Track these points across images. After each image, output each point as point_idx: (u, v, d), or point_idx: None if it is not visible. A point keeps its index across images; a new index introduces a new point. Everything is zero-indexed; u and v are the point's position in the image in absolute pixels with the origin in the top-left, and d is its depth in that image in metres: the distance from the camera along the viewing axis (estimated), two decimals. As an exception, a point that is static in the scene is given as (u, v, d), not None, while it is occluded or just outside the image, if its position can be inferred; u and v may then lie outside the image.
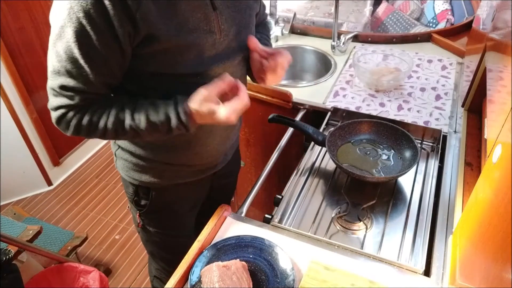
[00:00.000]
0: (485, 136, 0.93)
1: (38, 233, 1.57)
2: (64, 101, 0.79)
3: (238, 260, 0.87)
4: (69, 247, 1.81)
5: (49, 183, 2.54)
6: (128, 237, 2.21)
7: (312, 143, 1.30)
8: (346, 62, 1.72)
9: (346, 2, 2.51)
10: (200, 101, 0.80)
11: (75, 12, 0.69)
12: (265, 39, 1.12)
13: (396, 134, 1.19)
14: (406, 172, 1.08)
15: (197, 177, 1.08)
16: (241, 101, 0.82)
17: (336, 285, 0.85)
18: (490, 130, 0.78)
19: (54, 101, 0.81)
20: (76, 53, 0.73)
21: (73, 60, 0.74)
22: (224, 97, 0.82)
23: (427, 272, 0.91)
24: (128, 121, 0.82)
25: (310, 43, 1.87)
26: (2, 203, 2.42)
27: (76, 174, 2.66)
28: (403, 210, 1.07)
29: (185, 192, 1.11)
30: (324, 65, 1.78)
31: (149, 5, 0.73)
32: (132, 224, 2.28)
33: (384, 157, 1.18)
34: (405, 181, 1.16)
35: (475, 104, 1.31)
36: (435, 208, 1.06)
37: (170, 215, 1.14)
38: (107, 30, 0.72)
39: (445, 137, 1.26)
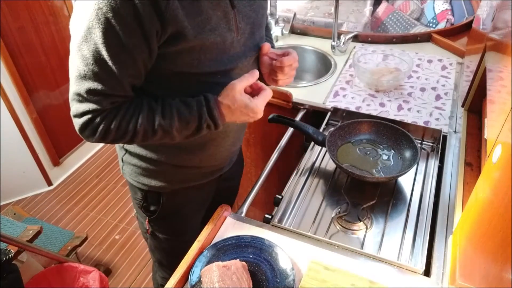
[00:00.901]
0: (485, 136, 0.93)
1: (38, 233, 1.57)
2: (91, 106, 0.77)
3: (238, 260, 0.87)
4: (69, 247, 1.81)
5: (49, 183, 2.54)
6: (128, 237, 2.21)
7: (312, 143, 1.30)
8: (346, 62, 1.72)
9: (346, 2, 2.51)
10: (234, 95, 0.81)
11: (104, 13, 0.68)
12: (268, 40, 1.12)
13: (396, 134, 1.19)
14: (406, 172, 1.08)
15: (206, 179, 1.07)
16: (269, 93, 0.86)
17: (336, 285, 0.85)
18: (490, 130, 0.78)
19: (80, 107, 0.78)
20: (105, 54, 0.71)
21: (101, 62, 0.72)
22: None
23: (427, 272, 0.91)
24: (158, 121, 0.81)
25: (310, 43, 1.87)
26: (2, 203, 2.42)
27: (76, 174, 2.66)
28: (403, 210, 1.07)
29: (193, 195, 1.10)
30: (324, 65, 1.78)
31: (176, 3, 0.72)
32: (132, 224, 2.28)
33: (384, 157, 1.18)
34: (405, 181, 1.16)
35: (475, 104, 1.31)
36: (435, 208, 1.06)
37: (180, 220, 1.13)
38: (137, 29, 0.71)
39: (445, 137, 1.26)
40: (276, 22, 1.89)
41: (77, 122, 0.80)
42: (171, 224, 1.12)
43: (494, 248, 0.60)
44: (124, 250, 2.15)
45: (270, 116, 1.28)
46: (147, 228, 1.11)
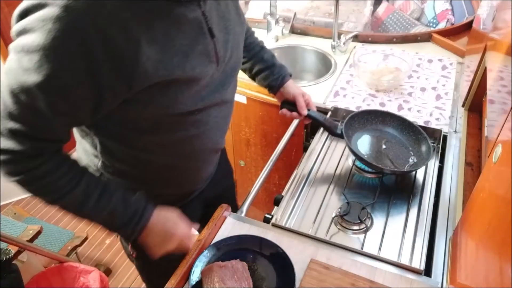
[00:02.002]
0: (485, 136, 0.93)
1: (38, 233, 1.58)
2: (12, 145, 0.68)
3: (238, 260, 0.87)
4: (69, 247, 1.81)
5: (49, 183, 2.54)
6: (128, 237, 2.21)
7: (312, 143, 1.30)
8: (346, 62, 1.72)
9: (346, 2, 2.51)
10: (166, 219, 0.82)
11: (50, 47, 0.58)
12: (254, 45, 1.14)
13: (410, 129, 1.20)
14: (423, 166, 1.11)
15: (187, 200, 1.03)
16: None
17: (336, 285, 0.85)
18: (490, 130, 0.78)
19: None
20: (40, 98, 0.62)
21: (33, 105, 0.64)
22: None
23: (427, 272, 0.91)
24: (88, 205, 0.76)
25: (310, 43, 1.87)
26: (2, 203, 2.42)
27: (76, 174, 2.65)
28: (403, 210, 1.07)
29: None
30: (324, 65, 1.78)
31: (144, 58, 0.64)
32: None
33: (399, 150, 1.18)
34: (405, 181, 1.16)
35: (476, 104, 1.31)
36: (435, 208, 1.06)
37: None
38: (85, 82, 0.62)
39: (445, 137, 1.26)
40: (276, 22, 1.88)
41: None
42: None
43: (494, 248, 0.60)
44: (124, 250, 2.15)
45: (282, 107, 1.25)
46: (131, 252, 1.05)
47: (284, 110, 1.15)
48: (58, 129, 0.69)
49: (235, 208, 1.13)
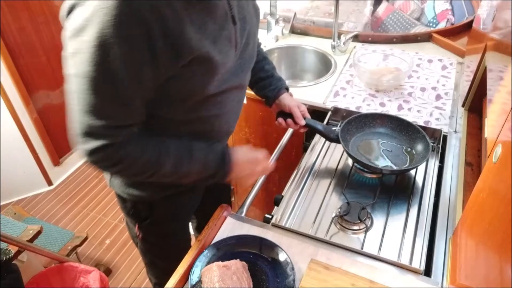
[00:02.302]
0: (485, 136, 0.93)
1: (39, 233, 1.57)
2: (104, 141, 0.72)
3: (238, 260, 0.87)
4: (69, 247, 1.81)
5: (49, 183, 2.54)
6: (128, 237, 2.20)
7: (312, 143, 1.30)
8: (346, 62, 1.72)
9: (346, 2, 2.51)
10: (246, 151, 0.90)
11: (111, 36, 0.62)
12: (263, 57, 1.17)
13: (408, 129, 1.20)
14: (420, 164, 1.11)
15: (196, 183, 1.05)
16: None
17: (336, 285, 0.85)
18: (490, 130, 0.78)
19: (92, 144, 0.72)
20: (116, 83, 0.67)
21: (111, 93, 0.69)
22: None
23: (427, 272, 0.91)
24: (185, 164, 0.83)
25: (310, 43, 1.87)
26: (2, 203, 2.42)
27: (76, 174, 2.66)
28: (403, 210, 1.07)
29: (183, 199, 1.08)
30: (324, 65, 1.78)
31: (188, 32, 0.70)
32: (132, 224, 2.28)
33: (396, 150, 1.18)
34: (405, 181, 1.16)
35: (476, 104, 1.31)
36: (435, 208, 1.06)
37: (170, 224, 1.10)
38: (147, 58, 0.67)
39: (445, 137, 1.26)
40: (276, 22, 1.88)
41: (91, 159, 0.75)
42: (162, 229, 1.10)
43: (494, 248, 0.60)
44: (124, 250, 2.15)
45: (277, 117, 1.26)
46: (137, 233, 1.09)
47: (280, 119, 1.17)
48: (136, 111, 0.74)
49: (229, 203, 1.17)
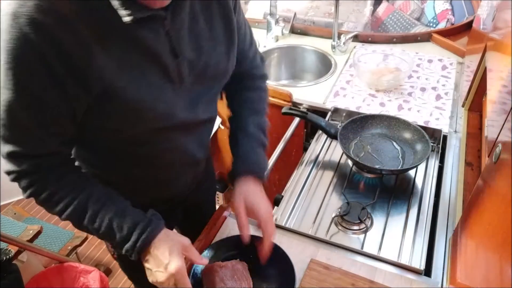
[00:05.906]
0: (485, 136, 0.93)
1: (39, 233, 1.57)
2: (12, 167, 0.69)
3: (238, 260, 0.87)
4: (69, 247, 1.80)
5: (50, 183, 2.54)
6: (128, 237, 2.21)
7: (312, 143, 1.30)
8: (346, 62, 1.72)
9: (346, 2, 2.51)
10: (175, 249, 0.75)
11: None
12: (254, 111, 1.03)
13: (408, 129, 1.21)
14: (420, 164, 1.11)
15: (166, 206, 0.98)
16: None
17: (336, 285, 0.85)
18: (490, 130, 0.78)
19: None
20: (19, 113, 0.63)
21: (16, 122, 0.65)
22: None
23: (427, 272, 0.91)
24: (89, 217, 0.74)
25: (310, 43, 1.87)
26: (2, 203, 2.42)
27: (76, 174, 2.65)
28: (403, 210, 1.07)
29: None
30: (324, 65, 1.78)
31: (100, 59, 0.63)
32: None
33: (396, 150, 1.19)
34: (405, 181, 1.16)
35: (476, 104, 1.31)
36: (435, 208, 1.06)
37: None
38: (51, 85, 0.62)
39: (445, 137, 1.26)
40: (276, 22, 1.88)
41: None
42: None
43: (494, 248, 0.60)
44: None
45: (283, 110, 1.29)
46: (112, 252, 1.02)
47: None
48: (48, 142, 0.69)
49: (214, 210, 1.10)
